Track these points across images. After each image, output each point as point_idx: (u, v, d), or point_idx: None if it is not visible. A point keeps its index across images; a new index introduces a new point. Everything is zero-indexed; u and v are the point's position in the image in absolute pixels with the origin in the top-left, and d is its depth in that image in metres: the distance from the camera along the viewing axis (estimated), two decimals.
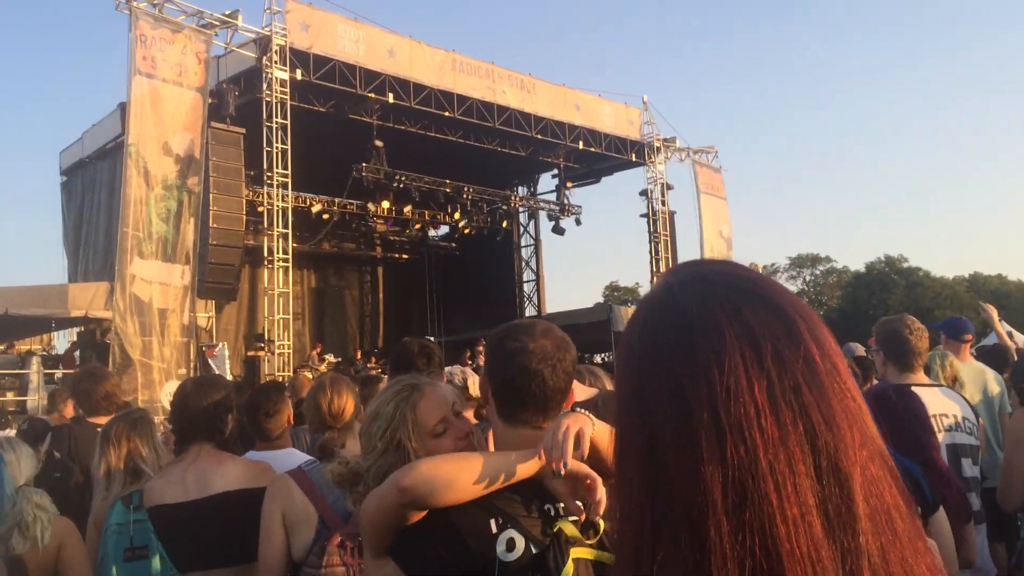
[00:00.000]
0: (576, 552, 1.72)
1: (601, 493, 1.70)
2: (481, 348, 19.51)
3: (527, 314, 27.19)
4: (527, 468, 1.78)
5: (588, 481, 1.71)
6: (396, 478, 1.78)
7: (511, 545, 1.73)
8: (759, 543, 0.67)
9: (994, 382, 5.19)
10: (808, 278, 65.62)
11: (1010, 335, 7.33)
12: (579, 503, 1.75)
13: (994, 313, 7.00)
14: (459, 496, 1.75)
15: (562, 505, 1.78)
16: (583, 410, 2.01)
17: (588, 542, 1.75)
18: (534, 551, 1.72)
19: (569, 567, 1.69)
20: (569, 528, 1.74)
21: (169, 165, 14.59)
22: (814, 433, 0.70)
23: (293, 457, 3.81)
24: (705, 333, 0.74)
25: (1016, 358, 6.22)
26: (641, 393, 0.77)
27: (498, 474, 1.77)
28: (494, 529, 1.74)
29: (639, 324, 0.81)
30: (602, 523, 1.74)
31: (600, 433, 1.74)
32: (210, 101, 15.76)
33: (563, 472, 1.69)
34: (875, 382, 5.27)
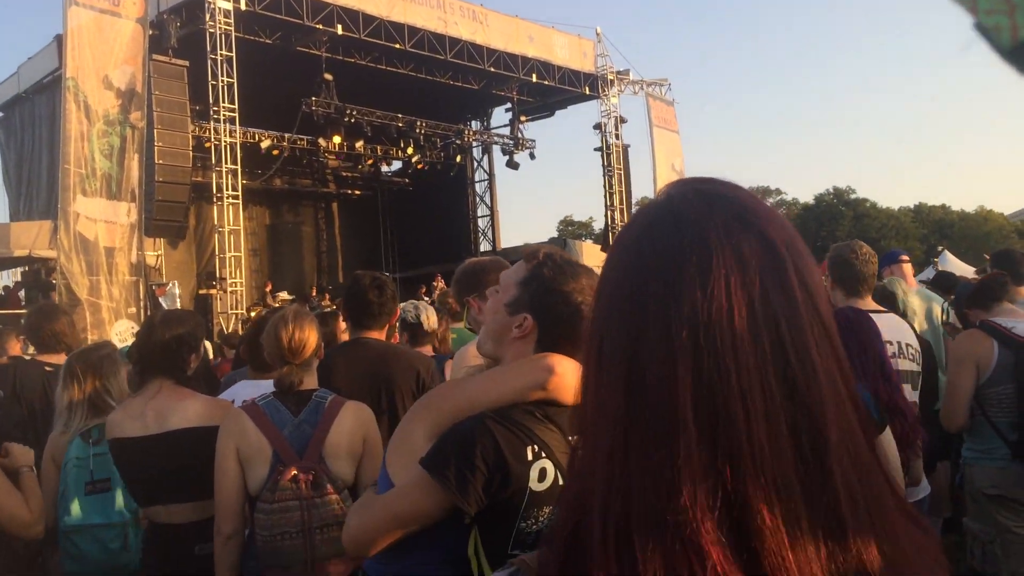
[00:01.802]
0: None
1: None
2: (437, 283, 19.50)
3: (482, 249, 27.15)
4: None
5: None
6: (548, 363, 1.79)
7: (543, 475, 1.73)
8: (726, 463, 0.69)
9: (939, 308, 5.34)
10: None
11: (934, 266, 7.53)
12: None
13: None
14: (571, 397, 1.75)
15: None
16: None
17: None
18: (561, 483, 1.70)
19: None
20: None
21: (110, 99, 14.11)
22: (792, 367, 0.71)
23: None
24: (696, 253, 0.74)
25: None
26: (628, 299, 0.77)
27: None
28: (530, 456, 1.73)
29: (636, 231, 0.82)
30: None
31: None
32: (151, 32, 15.20)
33: None
34: None
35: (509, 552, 1.69)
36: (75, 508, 3.50)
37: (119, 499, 3.54)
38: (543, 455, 1.73)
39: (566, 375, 1.78)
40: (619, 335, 0.77)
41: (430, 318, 4.69)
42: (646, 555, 0.70)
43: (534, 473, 1.72)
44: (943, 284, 6.60)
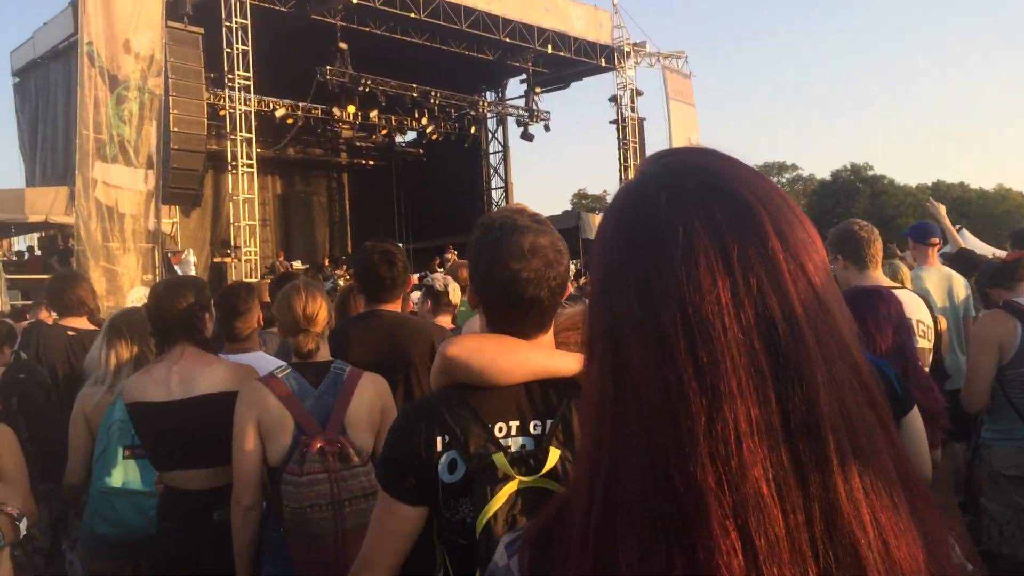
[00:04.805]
0: (512, 486, 1.60)
1: None
2: (451, 256, 19.51)
3: None
4: (571, 366, 1.76)
5: None
6: (444, 346, 1.76)
7: (453, 467, 1.67)
8: (722, 440, 0.67)
9: (961, 287, 5.29)
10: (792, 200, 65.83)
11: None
12: None
13: (942, 209, 7.03)
14: (500, 377, 1.71)
15: (516, 424, 1.71)
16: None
17: (524, 478, 1.61)
18: (470, 476, 1.65)
19: (495, 503, 1.58)
20: (500, 460, 1.61)
21: (131, 64, 14.06)
22: (777, 334, 0.69)
23: (264, 361, 3.79)
24: (672, 229, 0.73)
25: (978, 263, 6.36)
26: (608, 286, 0.76)
27: (543, 363, 1.75)
28: (439, 447, 1.68)
29: (611, 216, 0.80)
30: (555, 453, 1.64)
31: None
32: None
33: None
34: None
35: (436, 539, 1.71)
36: (117, 471, 3.51)
37: None
38: (453, 447, 1.67)
39: (464, 356, 1.72)
40: (604, 321, 0.76)
41: (455, 291, 4.75)
42: (626, 535, 0.69)
43: (443, 465, 1.67)
44: (963, 263, 6.50)
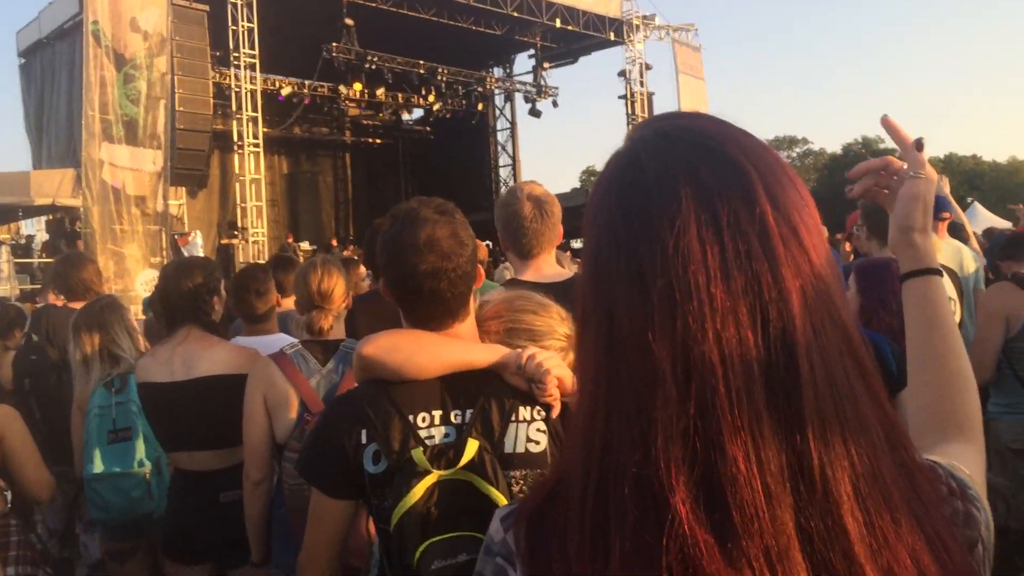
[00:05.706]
0: (432, 478, 1.64)
1: (554, 391, 1.71)
2: None
3: None
4: (486, 358, 1.78)
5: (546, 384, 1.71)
6: (360, 345, 1.80)
7: (377, 458, 1.71)
8: (699, 413, 0.67)
9: (970, 260, 5.24)
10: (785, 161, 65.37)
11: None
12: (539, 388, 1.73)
13: (946, 185, 6.94)
14: (416, 372, 1.74)
15: (439, 413, 1.74)
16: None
17: (441, 472, 1.65)
18: (392, 468, 1.70)
19: (410, 498, 1.62)
20: (419, 456, 1.65)
21: (138, 43, 13.98)
22: (764, 300, 0.68)
23: (282, 342, 3.81)
24: (662, 197, 0.72)
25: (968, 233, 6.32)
26: (599, 257, 0.76)
27: (458, 357, 1.77)
28: (363, 440, 1.72)
29: (602, 187, 0.79)
30: (473, 445, 1.66)
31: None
32: None
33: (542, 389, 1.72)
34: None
35: (365, 528, 1.79)
36: (96, 458, 3.57)
37: (139, 449, 3.61)
38: (374, 440, 1.72)
39: (379, 355, 1.76)
40: (596, 294, 0.76)
41: None
42: (619, 513, 0.69)
43: (367, 456, 1.72)
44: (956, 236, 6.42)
